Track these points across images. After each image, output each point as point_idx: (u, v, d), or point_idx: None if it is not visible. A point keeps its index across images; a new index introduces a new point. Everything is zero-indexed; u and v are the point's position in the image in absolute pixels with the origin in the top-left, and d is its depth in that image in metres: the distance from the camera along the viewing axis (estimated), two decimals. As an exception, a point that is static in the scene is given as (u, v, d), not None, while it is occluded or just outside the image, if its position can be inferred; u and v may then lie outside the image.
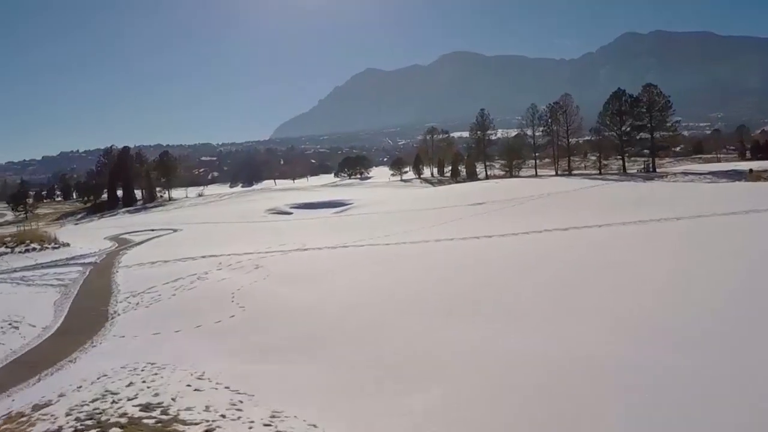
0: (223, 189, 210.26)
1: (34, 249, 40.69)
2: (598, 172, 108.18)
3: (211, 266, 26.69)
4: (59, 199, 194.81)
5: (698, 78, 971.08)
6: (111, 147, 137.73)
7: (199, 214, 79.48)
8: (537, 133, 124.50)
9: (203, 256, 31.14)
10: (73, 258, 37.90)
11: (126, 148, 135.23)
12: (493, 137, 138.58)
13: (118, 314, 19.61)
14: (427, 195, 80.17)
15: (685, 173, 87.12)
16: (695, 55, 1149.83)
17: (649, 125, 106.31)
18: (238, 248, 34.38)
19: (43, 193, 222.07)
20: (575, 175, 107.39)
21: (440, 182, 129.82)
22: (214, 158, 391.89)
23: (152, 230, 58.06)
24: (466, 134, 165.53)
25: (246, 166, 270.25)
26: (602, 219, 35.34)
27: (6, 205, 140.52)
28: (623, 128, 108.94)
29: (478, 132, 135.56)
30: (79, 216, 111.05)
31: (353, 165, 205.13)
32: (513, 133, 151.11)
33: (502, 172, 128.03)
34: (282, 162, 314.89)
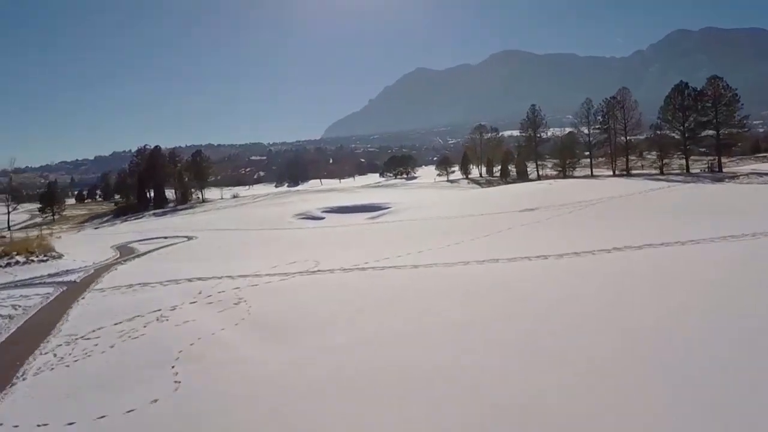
0: (267, 189, 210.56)
1: (17, 263, 36.48)
2: (659, 172, 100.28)
3: (186, 296, 21.55)
4: (99, 199, 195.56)
5: (750, 75, 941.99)
6: (144, 146, 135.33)
7: (225, 218, 75.37)
8: (592, 131, 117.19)
9: (190, 279, 26.16)
10: (56, 274, 33.56)
11: (157, 148, 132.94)
12: (546, 134, 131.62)
13: (27, 376, 14.52)
14: (474, 198, 73.95)
15: (758, 174, 78.48)
16: (746, 52, 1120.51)
17: (714, 121, 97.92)
18: (239, 266, 29.46)
19: (84, 192, 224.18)
20: (634, 175, 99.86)
21: (488, 183, 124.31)
22: (263, 158, 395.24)
23: (165, 238, 53.92)
24: (515, 133, 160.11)
25: (293, 166, 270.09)
26: (681, 231, 28.95)
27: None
28: (686, 124, 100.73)
29: (530, 129, 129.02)
30: (106, 219, 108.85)
31: (399, 165, 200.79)
32: (564, 132, 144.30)
33: (555, 172, 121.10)
34: (331, 161, 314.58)
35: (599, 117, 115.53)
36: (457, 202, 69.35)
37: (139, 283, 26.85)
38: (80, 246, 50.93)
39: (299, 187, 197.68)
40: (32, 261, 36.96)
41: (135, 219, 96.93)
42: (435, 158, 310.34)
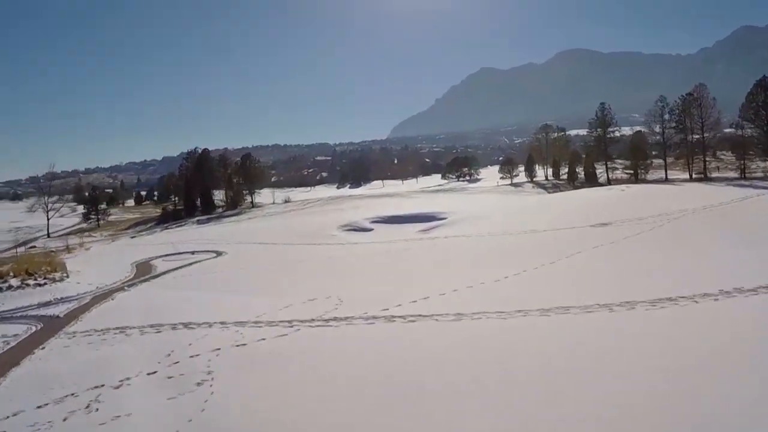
0: (327, 190, 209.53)
1: (9, 287, 32.79)
2: (740, 175, 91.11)
3: (151, 360, 17.07)
4: (154, 200, 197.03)
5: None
6: (195, 149, 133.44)
7: (266, 228, 71.37)
8: (666, 130, 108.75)
9: (175, 326, 21.70)
10: (44, 304, 29.80)
11: (206, 151, 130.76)
12: (617, 134, 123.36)
13: None
14: (539, 206, 67.25)
15: None
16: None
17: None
18: (245, 304, 24.86)
19: (143, 194, 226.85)
20: (713, 179, 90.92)
21: (555, 187, 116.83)
22: (329, 158, 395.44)
23: (193, 253, 50.10)
24: (581, 132, 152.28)
25: (355, 167, 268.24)
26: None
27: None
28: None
29: (598, 129, 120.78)
30: (149, 226, 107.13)
31: (461, 166, 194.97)
32: (631, 131, 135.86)
33: (626, 175, 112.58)
34: (396, 161, 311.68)
35: (674, 115, 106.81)
36: (519, 211, 62.91)
37: (117, 328, 22.45)
38: (99, 262, 47.75)
39: (358, 190, 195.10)
40: (27, 285, 33.23)
41: (176, 227, 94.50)
42: (500, 158, 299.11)
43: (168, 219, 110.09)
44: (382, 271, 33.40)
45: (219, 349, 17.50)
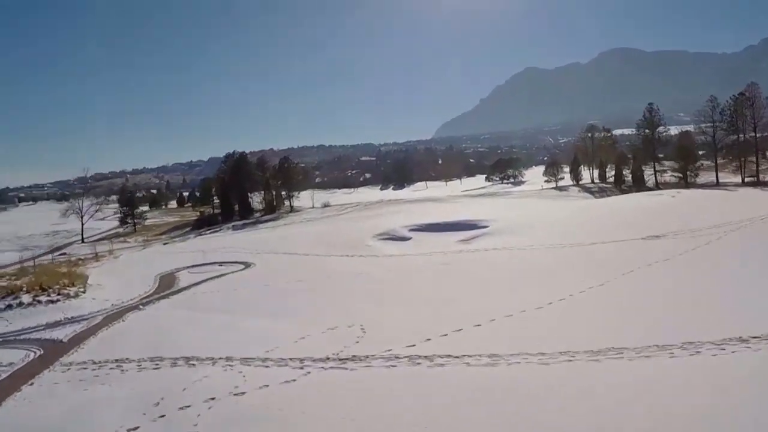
0: (371, 192, 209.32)
1: (20, 304, 31.47)
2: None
3: (137, 409, 15.36)
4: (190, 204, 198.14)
5: None
6: (233, 152, 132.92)
7: (300, 236, 69.59)
8: (717, 131, 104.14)
9: (175, 361, 19.80)
10: (52, 325, 28.47)
11: (243, 154, 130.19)
12: (664, 133, 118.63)
13: None
14: (585, 215, 63.77)
15: None
16: None
17: None
18: (259, 332, 23.00)
19: (185, 195, 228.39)
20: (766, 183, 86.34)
21: (602, 191, 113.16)
22: (373, 158, 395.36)
23: (220, 265, 48.48)
24: (626, 131, 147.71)
25: (399, 168, 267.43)
26: None
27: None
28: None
29: (646, 130, 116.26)
30: (185, 231, 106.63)
31: (505, 168, 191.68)
32: (677, 132, 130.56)
33: (674, 179, 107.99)
34: (440, 162, 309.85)
35: (726, 116, 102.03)
36: (564, 220, 59.45)
37: (116, 361, 20.69)
38: (123, 272, 46.53)
39: (401, 192, 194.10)
40: (39, 302, 31.85)
41: (211, 233, 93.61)
42: (545, 158, 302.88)
43: (204, 224, 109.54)
44: (415, 291, 30.90)
45: (213, 399, 15.30)
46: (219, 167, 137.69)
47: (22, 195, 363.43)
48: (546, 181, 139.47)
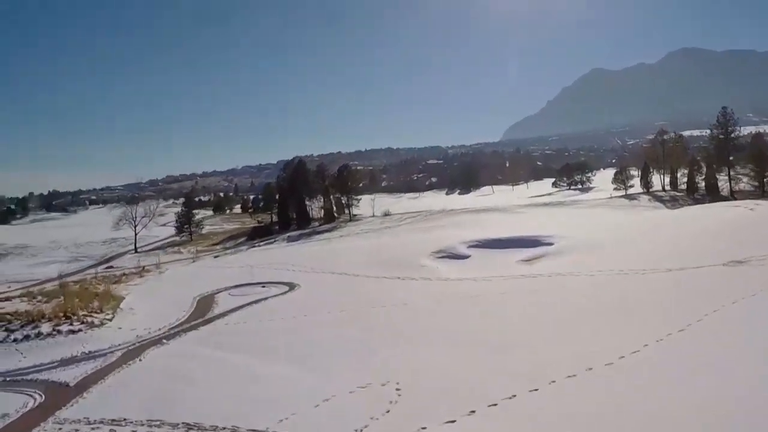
0: (436, 197, 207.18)
1: (38, 335, 29.74)
2: None
3: None
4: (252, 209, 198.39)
5: None
6: (294, 158, 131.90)
7: (354, 250, 67.07)
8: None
9: (175, 429, 16.95)
10: (67, 361, 26.92)
11: (302, 162, 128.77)
12: (739, 139, 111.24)
13: None
14: (657, 231, 58.64)
15: None
16: None
17: None
18: (280, 386, 20.59)
19: (250, 198, 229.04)
20: None
21: (673, 200, 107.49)
22: (440, 161, 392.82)
23: (264, 286, 46.31)
24: (695, 133, 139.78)
25: (465, 172, 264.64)
26: None
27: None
28: None
29: (720, 135, 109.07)
30: (239, 241, 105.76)
31: (572, 172, 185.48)
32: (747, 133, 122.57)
33: (751, 187, 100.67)
34: (507, 165, 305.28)
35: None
36: (637, 238, 54.72)
37: (113, 421, 18.27)
38: (162, 293, 44.89)
39: (467, 197, 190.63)
40: (59, 332, 30.09)
41: (265, 244, 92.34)
42: (613, 160, 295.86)
43: (259, 234, 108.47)
44: (466, 330, 27.52)
45: None
46: (278, 174, 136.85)
47: (93, 197, 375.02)
48: (615, 188, 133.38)
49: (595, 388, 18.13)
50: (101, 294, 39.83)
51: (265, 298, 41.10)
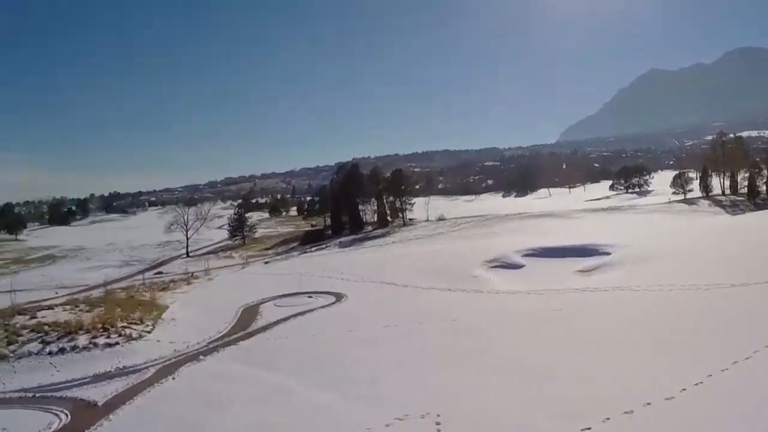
0: (493, 200, 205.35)
1: (74, 348, 29.19)
2: None
3: None
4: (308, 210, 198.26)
5: None
6: (348, 162, 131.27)
7: (406, 256, 65.64)
8: None
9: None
10: (99, 376, 26.12)
11: (355, 165, 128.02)
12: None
13: None
14: (717, 240, 55.33)
15: None
16: None
17: None
18: (311, 417, 18.88)
19: (307, 198, 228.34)
20: None
21: (734, 206, 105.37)
22: (497, 163, 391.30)
23: (310, 296, 45.31)
24: (753, 134, 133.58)
25: (522, 173, 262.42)
26: None
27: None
28: None
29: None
30: (291, 246, 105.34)
31: (630, 175, 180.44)
32: None
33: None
34: (564, 167, 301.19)
35: None
36: (697, 248, 51.45)
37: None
38: (207, 302, 44.30)
39: (523, 200, 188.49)
40: (95, 345, 29.43)
41: (316, 250, 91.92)
42: (671, 162, 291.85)
43: (312, 239, 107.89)
44: (513, 352, 25.51)
45: None
46: (332, 177, 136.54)
47: (152, 199, 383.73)
48: (674, 192, 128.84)
49: (653, 430, 16.04)
50: (145, 303, 39.37)
51: (311, 310, 39.98)
